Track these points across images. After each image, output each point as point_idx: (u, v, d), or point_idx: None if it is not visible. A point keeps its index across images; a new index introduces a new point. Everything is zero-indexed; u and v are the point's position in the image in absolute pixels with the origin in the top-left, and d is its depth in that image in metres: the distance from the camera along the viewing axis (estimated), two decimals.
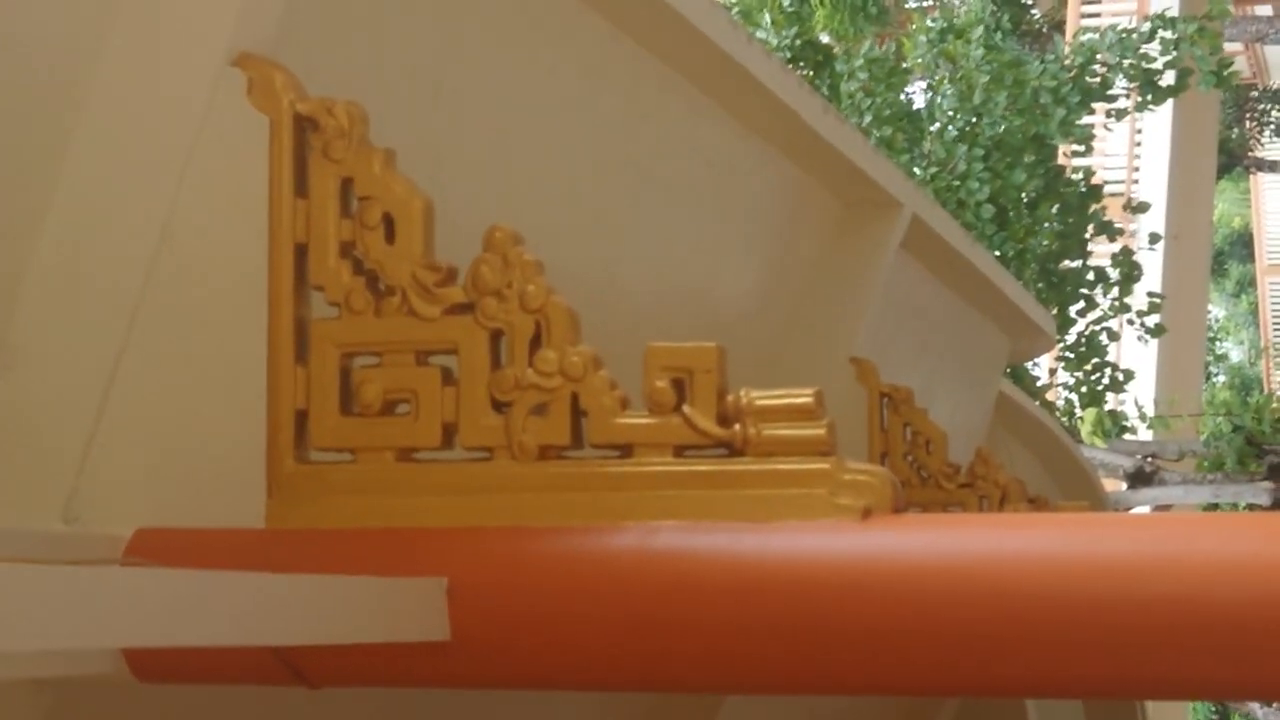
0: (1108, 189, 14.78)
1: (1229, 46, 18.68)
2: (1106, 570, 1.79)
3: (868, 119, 12.31)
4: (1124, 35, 12.79)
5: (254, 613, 1.64)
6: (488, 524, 2.01)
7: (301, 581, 1.76)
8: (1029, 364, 13.22)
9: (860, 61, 12.72)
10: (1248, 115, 27.53)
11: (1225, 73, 13.06)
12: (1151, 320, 13.52)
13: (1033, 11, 21.15)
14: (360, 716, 2.46)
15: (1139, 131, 19.11)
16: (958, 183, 12.00)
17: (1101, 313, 13.23)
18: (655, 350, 2.02)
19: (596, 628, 1.95)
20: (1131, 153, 19.31)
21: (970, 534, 1.92)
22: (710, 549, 1.93)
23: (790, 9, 13.82)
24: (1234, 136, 27.37)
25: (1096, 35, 13.08)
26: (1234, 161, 27.85)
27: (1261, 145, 27.97)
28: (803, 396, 1.98)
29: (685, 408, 2.00)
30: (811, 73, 12.98)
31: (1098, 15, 19.10)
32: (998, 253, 11.98)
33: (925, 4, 19.10)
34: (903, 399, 4.20)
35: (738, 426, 1.98)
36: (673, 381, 2.01)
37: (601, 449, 2.03)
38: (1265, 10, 22.82)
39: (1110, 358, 13.52)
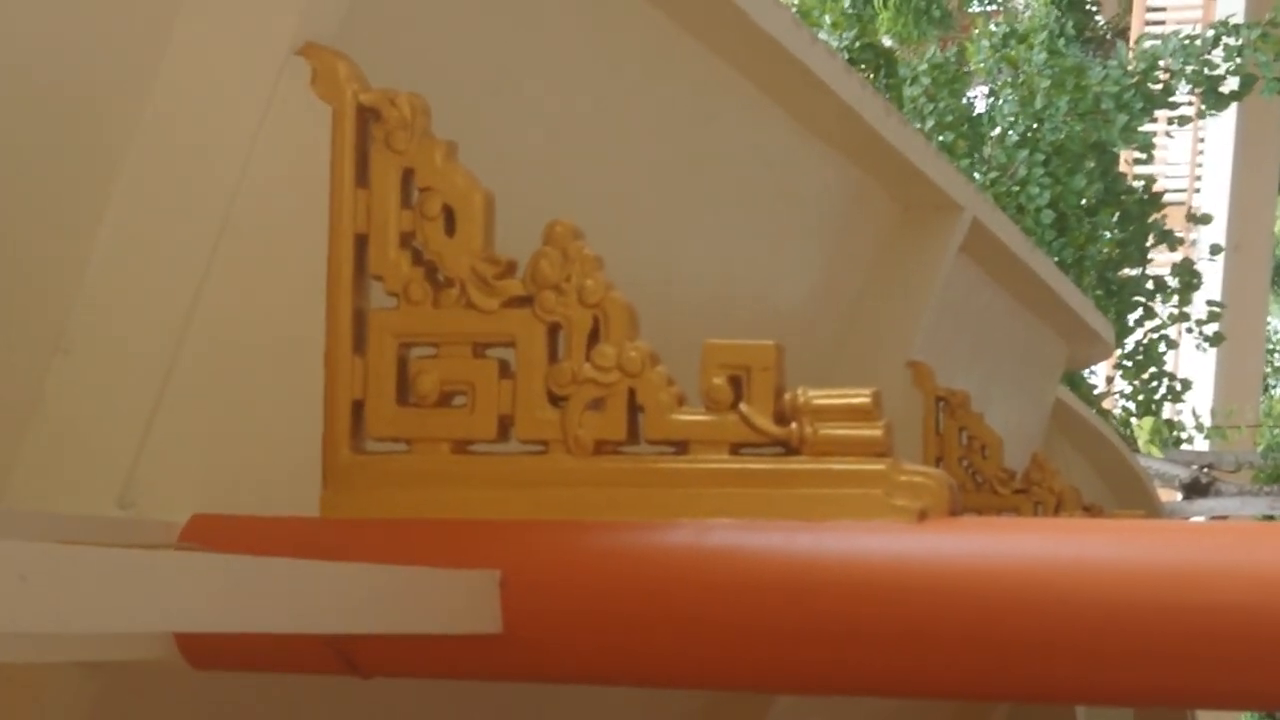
0: (1169, 198, 14.69)
1: None
2: (1164, 577, 1.78)
3: (930, 124, 12.28)
4: (1187, 41, 12.74)
5: (307, 600, 1.65)
6: (542, 518, 2.01)
7: (355, 570, 1.76)
8: (1085, 371, 13.18)
9: (924, 66, 12.69)
10: None
11: None
12: (1210, 329, 13.45)
13: (1097, 18, 21.07)
14: (408, 707, 2.47)
15: (1201, 141, 19.04)
16: (1018, 188, 11.96)
17: (1160, 321, 13.18)
18: (713, 347, 2.02)
19: (649, 624, 1.94)
20: (1194, 162, 19.24)
21: (1027, 538, 1.91)
22: (764, 548, 1.92)
23: (851, 11, 13.77)
24: None
25: (1160, 42, 13.03)
26: None
27: None
28: (860, 396, 1.98)
29: (742, 405, 1.99)
30: (871, 75, 12.95)
31: (1162, 22, 19.01)
32: (1057, 259, 11.94)
33: (989, 8, 19.05)
34: (959, 403, 4.19)
35: (794, 425, 1.98)
36: (730, 379, 2.00)
37: (657, 445, 2.03)
38: None
39: (1168, 367, 13.47)
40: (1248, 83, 12.79)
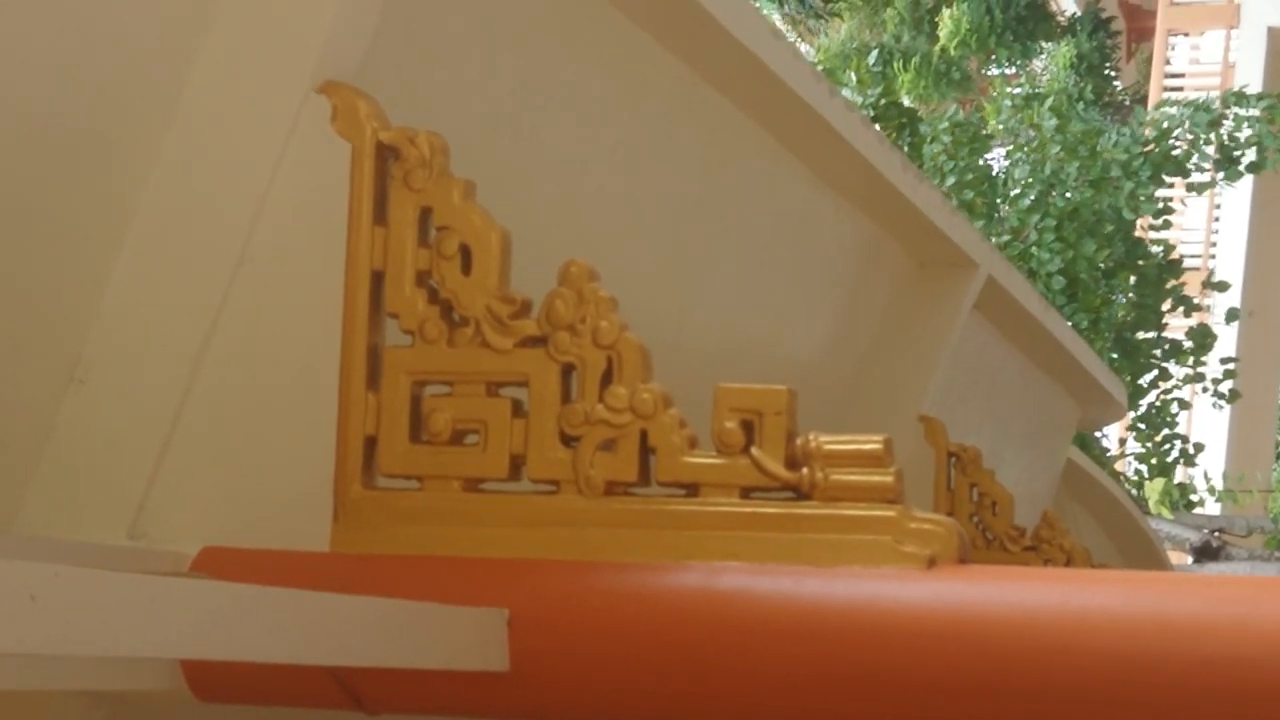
0: (1185, 263, 14.72)
1: None
2: (1174, 629, 1.77)
3: (949, 182, 12.32)
4: (1198, 109, 12.78)
5: (315, 632, 1.65)
6: (552, 557, 2.01)
7: (363, 604, 1.76)
8: (1097, 433, 13.17)
9: (945, 125, 12.73)
10: None
11: None
12: (1226, 387, 13.42)
13: (1116, 83, 21.14)
14: None
15: (1218, 207, 19.07)
16: (1032, 251, 11.98)
17: (1174, 383, 13.19)
18: (725, 391, 2.02)
19: (657, 666, 1.94)
20: (1210, 227, 19.28)
21: (1036, 587, 1.91)
22: (773, 592, 1.92)
23: (877, 69, 13.80)
24: None
25: (1173, 110, 13.07)
26: None
27: None
28: (872, 443, 1.98)
29: (753, 449, 1.99)
30: (894, 134, 13.00)
31: (1180, 89, 19.04)
32: (1071, 323, 11.95)
33: (1008, 72, 19.11)
34: (970, 459, 4.18)
35: (805, 470, 1.98)
36: (742, 422, 2.00)
37: (668, 487, 2.03)
38: None
39: (1181, 429, 13.46)
40: (1263, 153, 12.85)
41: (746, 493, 2.00)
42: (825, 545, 1.94)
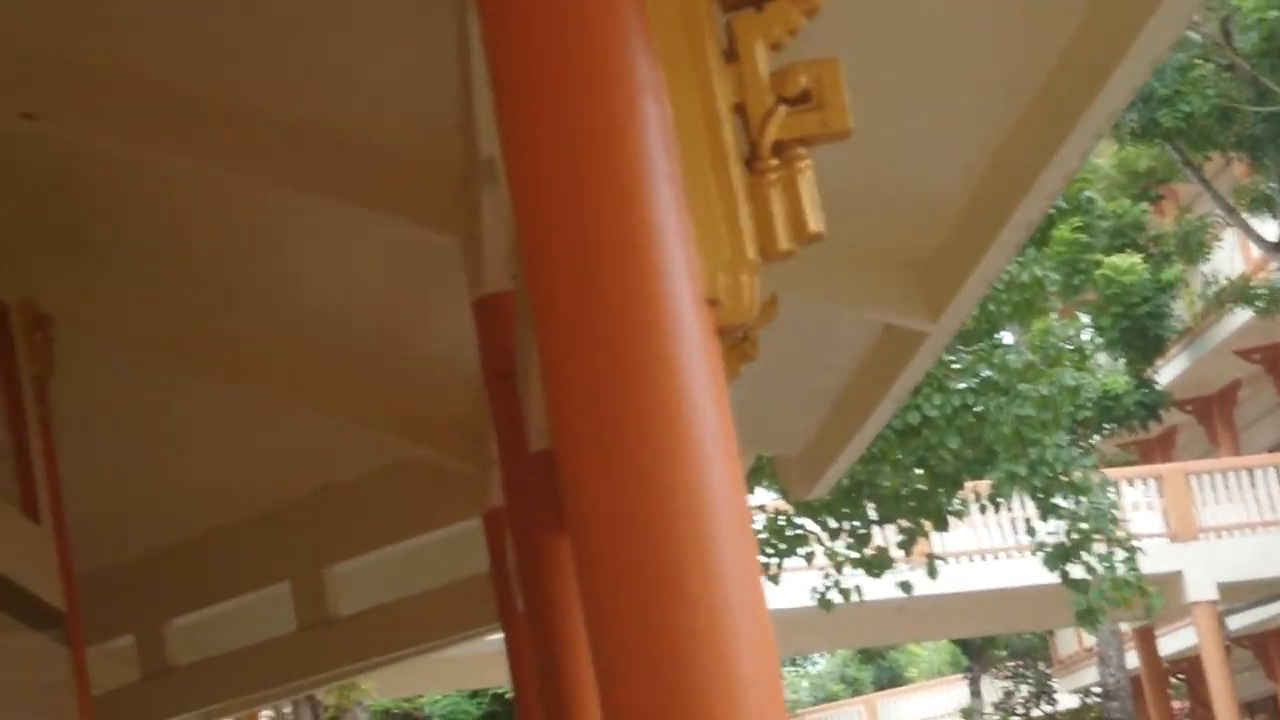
0: (956, 541, 15.08)
1: None
2: None
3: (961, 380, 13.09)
4: (1109, 520, 13.85)
5: None
6: None
7: None
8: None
9: (997, 359, 13.35)
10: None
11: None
12: (877, 568, 14.17)
13: (1098, 437, 21.04)
14: None
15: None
16: (929, 393, 12.69)
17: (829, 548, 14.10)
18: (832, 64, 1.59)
19: None
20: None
21: None
22: None
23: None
24: None
25: (1100, 499, 14.04)
26: None
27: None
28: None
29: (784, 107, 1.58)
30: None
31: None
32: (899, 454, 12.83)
33: (1084, 336, 19.22)
34: None
35: (770, 143, 1.60)
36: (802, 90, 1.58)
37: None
38: None
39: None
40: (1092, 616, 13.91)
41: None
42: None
